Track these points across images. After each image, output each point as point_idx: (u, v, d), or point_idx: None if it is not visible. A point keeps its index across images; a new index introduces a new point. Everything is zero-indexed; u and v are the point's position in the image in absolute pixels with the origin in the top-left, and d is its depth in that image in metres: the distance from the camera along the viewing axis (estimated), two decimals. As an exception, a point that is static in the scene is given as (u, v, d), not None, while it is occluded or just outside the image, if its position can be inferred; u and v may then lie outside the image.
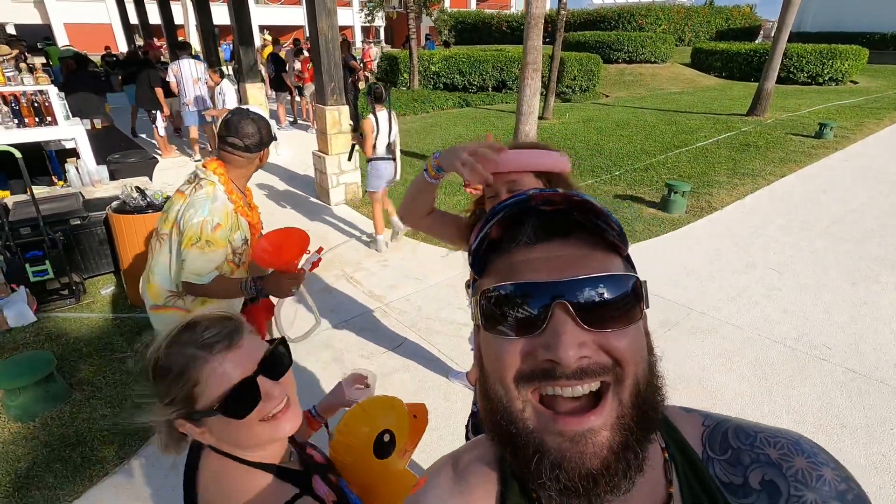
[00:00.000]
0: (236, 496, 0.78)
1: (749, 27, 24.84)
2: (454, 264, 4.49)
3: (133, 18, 15.31)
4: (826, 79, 15.66)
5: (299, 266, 1.78)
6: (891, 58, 21.14)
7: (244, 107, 1.85)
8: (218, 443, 0.81)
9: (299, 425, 0.86)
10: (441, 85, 13.13)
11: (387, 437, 1.10)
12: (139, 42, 15.12)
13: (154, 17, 12.99)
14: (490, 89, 13.48)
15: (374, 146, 4.39)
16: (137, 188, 3.71)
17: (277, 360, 0.84)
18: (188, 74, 7.24)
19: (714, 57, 17.92)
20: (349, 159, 5.74)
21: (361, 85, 12.70)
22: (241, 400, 0.78)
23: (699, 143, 8.44)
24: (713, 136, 8.91)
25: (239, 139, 1.78)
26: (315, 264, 1.81)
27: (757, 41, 22.57)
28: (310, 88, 9.62)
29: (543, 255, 0.46)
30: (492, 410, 0.48)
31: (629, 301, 0.45)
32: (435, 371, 3.14)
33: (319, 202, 6.14)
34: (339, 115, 5.75)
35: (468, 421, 1.53)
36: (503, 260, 0.48)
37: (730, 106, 12.06)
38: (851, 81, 16.29)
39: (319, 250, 1.84)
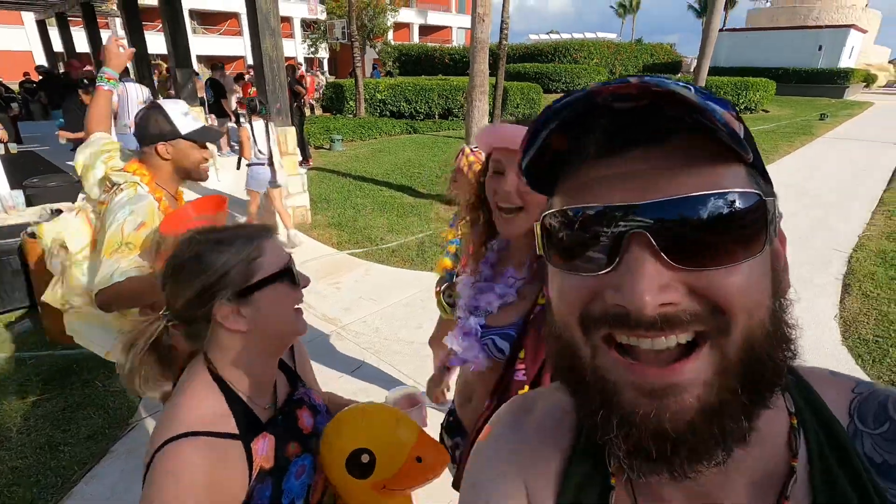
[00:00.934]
0: (185, 400, 0.82)
1: (672, 62, 27.02)
2: (410, 284, 4.37)
3: (57, 45, 14.44)
4: (742, 108, 17.20)
5: None
6: (793, 90, 23.62)
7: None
8: (249, 329, 0.85)
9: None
10: (387, 112, 13.20)
11: (365, 458, 0.92)
12: (62, 69, 14.24)
13: (80, 44, 12.31)
14: (437, 117, 13.70)
15: (257, 152, 5.01)
16: (58, 211, 3.36)
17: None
18: (134, 96, 6.90)
19: (643, 88, 19.26)
20: (237, 168, 6.07)
21: (308, 112, 12.55)
22: (294, 274, 0.90)
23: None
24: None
25: (138, 132, 1.63)
26: None
27: (678, 75, 24.53)
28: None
29: (623, 169, 0.35)
30: (559, 354, 0.40)
31: (745, 228, 0.34)
32: (397, 393, 2.97)
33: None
34: (285, 137, 5.57)
35: (444, 420, 1.38)
36: (573, 177, 0.38)
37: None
38: (763, 110, 17.96)
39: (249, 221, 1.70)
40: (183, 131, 1.63)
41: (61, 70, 14.13)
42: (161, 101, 1.67)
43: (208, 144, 1.72)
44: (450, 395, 2.83)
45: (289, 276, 0.89)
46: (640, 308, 0.32)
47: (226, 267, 0.84)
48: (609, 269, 0.34)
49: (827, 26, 27.49)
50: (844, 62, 26.04)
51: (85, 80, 8.39)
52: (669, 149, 0.35)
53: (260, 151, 4.97)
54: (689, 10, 57.32)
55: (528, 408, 0.51)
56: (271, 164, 5.03)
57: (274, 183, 5.10)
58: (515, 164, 0.96)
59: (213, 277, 0.83)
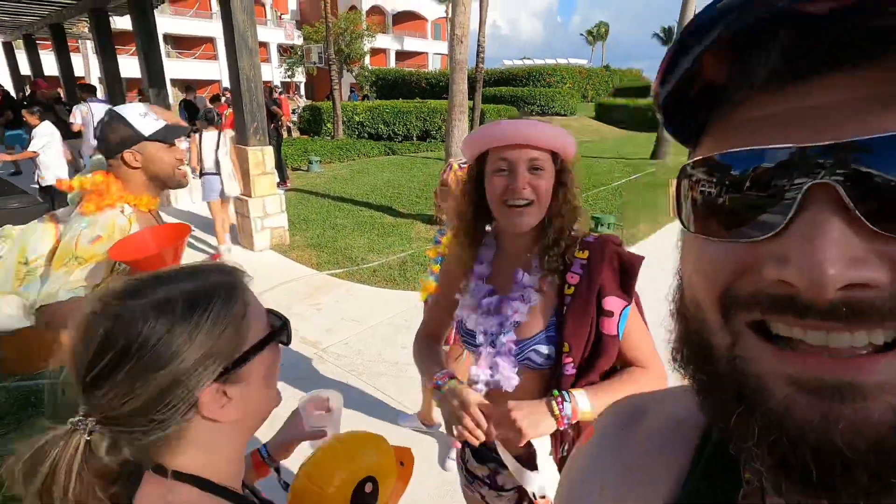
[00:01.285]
0: None
1: (641, 86, 28.05)
2: (393, 303, 4.26)
3: (25, 69, 14.09)
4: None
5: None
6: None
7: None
8: (242, 417, 0.62)
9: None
10: (365, 134, 13.22)
11: (369, 487, 0.84)
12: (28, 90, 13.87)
13: (49, 68, 12.02)
14: (415, 138, 13.77)
15: (201, 161, 5.12)
16: (19, 232, 3.17)
17: None
18: (99, 117, 6.74)
19: (618, 111, 19.89)
20: (199, 177, 6.13)
21: (285, 134, 12.48)
22: (289, 329, 0.70)
23: (615, 183, 9.03)
24: (626, 177, 9.61)
25: (101, 147, 1.52)
26: None
27: (650, 97, 25.43)
28: (228, 135, 9.22)
29: (806, 102, 0.25)
30: (683, 339, 0.31)
31: None
32: (382, 418, 2.83)
33: (242, 248, 5.69)
34: (262, 156, 5.48)
35: (462, 450, 1.26)
36: (730, 114, 0.28)
37: (636, 151, 13.23)
38: (730, 131, 18.77)
39: (214, 257, 1.58)
40: (146, 133, 1.49)
41: (27, 92, 13.77)
42: (116, 108, 1.55)
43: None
44: (436, 418, 2.72)
45: (284, 334, 0.69)
46: (818, 285, 0.23)
47: (210, 341, 0.57)
48: (772, 231, 0.25)
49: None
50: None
51: (60, 102, 8.18)
52: (878, 71, 0.24)
53: (200, 162, 5.09)
54: (654, 38, 60.04)
55: (637, 416, 0.42)
56: (219, 174, 5.14)
57: (222, 194, 5.19)
58: (524, 160, 0.95)
59: (191, 360, 0.55)
